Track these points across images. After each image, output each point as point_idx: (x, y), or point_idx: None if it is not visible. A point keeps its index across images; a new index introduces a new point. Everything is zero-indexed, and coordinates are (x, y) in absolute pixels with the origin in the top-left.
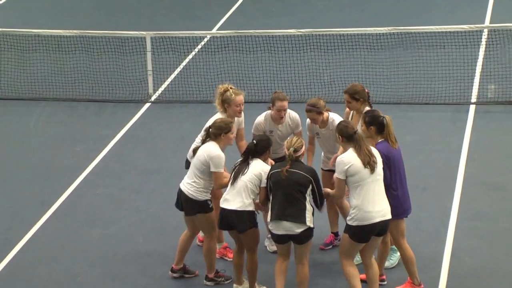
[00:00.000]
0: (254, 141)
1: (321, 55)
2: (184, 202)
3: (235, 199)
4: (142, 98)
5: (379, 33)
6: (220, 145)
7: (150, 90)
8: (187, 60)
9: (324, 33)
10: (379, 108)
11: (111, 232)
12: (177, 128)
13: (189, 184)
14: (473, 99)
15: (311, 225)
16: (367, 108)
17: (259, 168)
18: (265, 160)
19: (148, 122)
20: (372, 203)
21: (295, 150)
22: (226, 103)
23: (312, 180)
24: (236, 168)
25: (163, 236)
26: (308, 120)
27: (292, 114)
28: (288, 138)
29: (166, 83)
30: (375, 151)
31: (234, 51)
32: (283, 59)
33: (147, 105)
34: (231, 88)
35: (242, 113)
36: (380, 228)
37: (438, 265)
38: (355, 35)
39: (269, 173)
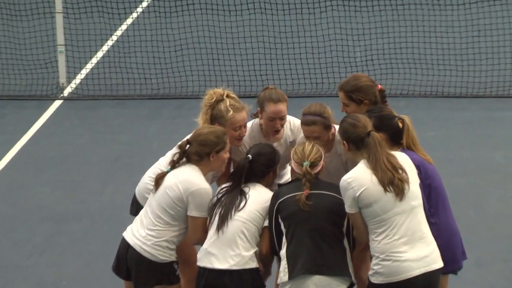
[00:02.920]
0: (249, 155)
1: (350, 17)
2: (135, 266)
3: (227, 252)
4: (48, 92)
5: None
6: (205, 171)
7: (62, 79)
8: (123, 27)
9: None
10: (446, 105)
11: None
12: (107, 142)
13: (146, 237)
14: None
15: (354, 280)
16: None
17: (264, 198)
18: (269, 186)
19: (59, 132)
20: (406, 245)
21: (313, 165)
22: (217, 121)
23: None
24: (224, 199)
25: None
26: (301, 139)
27: (294, 123)
28: (297, 145)
29: (89, 66)
30: (404, 160)
31: (204, 13)
32: (286, 25)
33: (57, 103)
34: (227, 97)
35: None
36: (423, 285)
37: None
38: None
39: (275, 202)
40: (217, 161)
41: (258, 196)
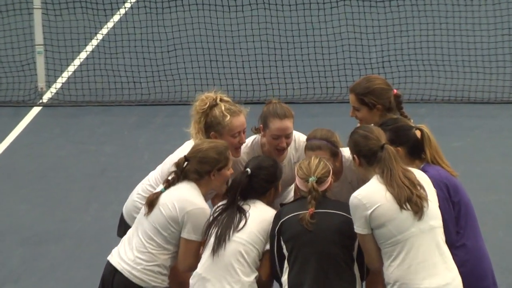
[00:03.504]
0: (248, 169)
1: (364, 14)
2: None
3: (225, 277)
4: (25, 98)
5: None
6: (204, 190)
7: (41, 83)
8: (109, 25)
9: None
10: (473, 112)
11: None
12: (91, 154)
13: (136, 260)
14: None
15: None
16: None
17: (266, 217)
18: (269, 204)
19: (37, 142)
20: (425, 271)
21: (320, 181)
22: (213, 129)
23: None
24: (220, 218)
25: None
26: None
27: (299, 141)
28: (302, 160)
29: (71, 69)
30: (420, 176)
31: (200, 9)
32: (293, 23)
33: (35, 110)
34: (221, 100)
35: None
36: None
37: None
38: None
39: (277, 222)
40: (218, 180)
41: (259, 215)
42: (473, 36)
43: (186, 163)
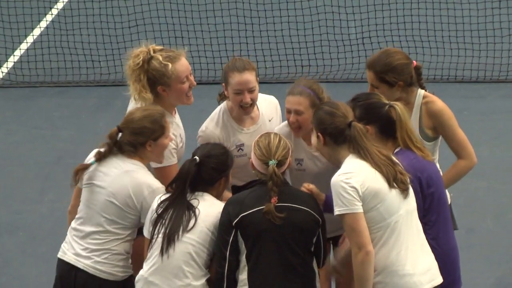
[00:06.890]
0: (196, 157)
1: None
2: None
3: (173, 282)
4: None
5: None
6: (144, 164)
7: None
8: None
9: None
10: (460, 92)
11: None
12: (47, 140)
13: (98, 254)
14: None
15: None
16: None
17: (217, 213)
18: (219, 196)
19: None
20: (411, 257)
21: (280, 164)
22: (159, 83)
23: (320, 221)
24: (167, 216)
25: None
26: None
27: (266, 99)
28: (260, 137)
29: (24, 46)
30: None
31: None
32: None
33: None
34: (155, 51)
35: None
36: None
37: None
38: None
39: (236, 214)
40: (156, 150)
41: (210, 211)
42: (460, 10)
43: (119, 134)
